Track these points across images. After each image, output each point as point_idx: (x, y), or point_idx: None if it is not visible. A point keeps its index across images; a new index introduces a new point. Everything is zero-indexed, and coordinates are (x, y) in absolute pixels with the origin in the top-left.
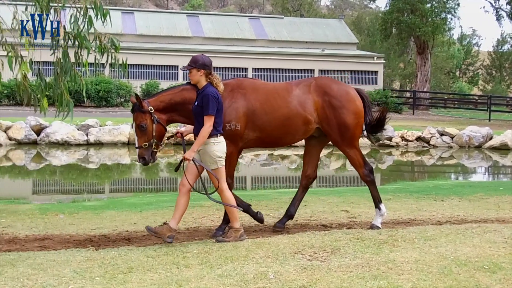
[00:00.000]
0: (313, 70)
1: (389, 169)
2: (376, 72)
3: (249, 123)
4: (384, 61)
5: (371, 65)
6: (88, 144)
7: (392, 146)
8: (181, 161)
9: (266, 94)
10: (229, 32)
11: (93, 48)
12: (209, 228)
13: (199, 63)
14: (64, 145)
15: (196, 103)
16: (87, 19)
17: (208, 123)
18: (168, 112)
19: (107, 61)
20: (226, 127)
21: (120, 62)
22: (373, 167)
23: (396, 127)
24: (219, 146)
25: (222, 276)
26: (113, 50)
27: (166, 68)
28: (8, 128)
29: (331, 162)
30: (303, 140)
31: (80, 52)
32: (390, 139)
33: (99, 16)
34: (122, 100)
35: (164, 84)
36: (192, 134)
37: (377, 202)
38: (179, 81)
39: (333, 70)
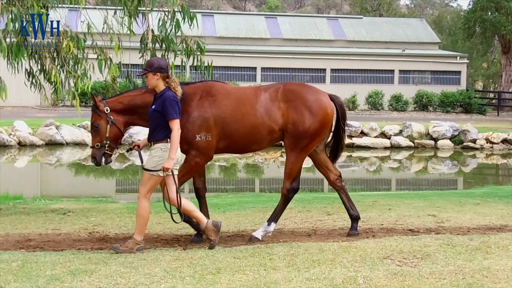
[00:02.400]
0: (393, 70)
1: (473, 172)
2: (459, 72)
3: (220, 132)
4: (467, 61)
5: (454, 65)
6: None
7: (476, 149)
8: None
9: (236, 100)
10: (307, 33)
11: (180, 51)
12: (292, 230)
13: (154, 67)
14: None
15: (153, 107)
16: (174, 23)
17: (176, 126)
18: (127, 114)
19: (193, 63)
20: (196, 138)
21: (206, 64)
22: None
23: (480, 129)
24: (164, 154)
25: (310, 279)
26: (198, 53)
27: (245, 69)
28: None
29: (412, 165)
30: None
31: (167, 55)
32: (474, 141)
33: (186, 19)
34: None
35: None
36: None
37: (273, 218)
38: (257, 83)
39: (414, 70)
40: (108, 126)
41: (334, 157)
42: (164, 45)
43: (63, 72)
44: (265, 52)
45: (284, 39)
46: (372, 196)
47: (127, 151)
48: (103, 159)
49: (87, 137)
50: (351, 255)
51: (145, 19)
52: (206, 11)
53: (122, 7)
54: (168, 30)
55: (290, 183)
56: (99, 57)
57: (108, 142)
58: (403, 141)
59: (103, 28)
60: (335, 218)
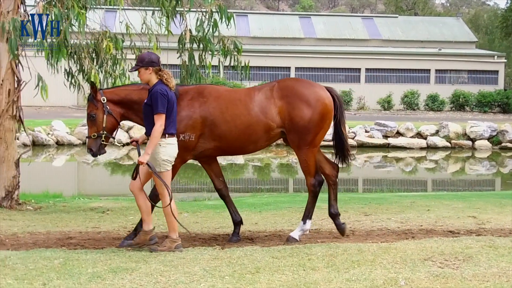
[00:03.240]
0: (429, 70)
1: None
2: (497, 71)
3: (206, 132)
4: (505, 60)
5: (491, 65)
6: None
7: None
8: (137, 166)
9: (227, 101)
10: (341, 32)
11: (217, 51)
12: (330, 230)
13: (145, 61)
14: None
15: (145, 101)
16: (212, 23)
17: (159, 121)
18: (123, 108)
19: (229, 63)
20: (180, 137)
21: (242, 64)
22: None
23: None
24: (166, 149)
25: (350, 280)
26: (235, 53)
27: (279, 69)
28: (129, 128)
29: (450, 166)
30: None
31: (204, 55)
32: None
33: (223, 19)
34: None
35: None
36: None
37: (306, 215)
38: None
39: (450, 70)
40: (105, 116)
41: (342, 155)
42: (201, 45)
43: (102, 72)
44: (299, 52)
45: (318, 38)
46: (410, 197)
47: (123, 145)
48: (99, 150)
49: (123, 137)
50: (391, 256)
51: (183, 19)
52: (239, 11)
53: (159, 8)
54: (206, 30)
55: (312, 178)
56: None
57: (105, 132)
58: (439, 141)
59: (142, 28)
60: (373, 218)
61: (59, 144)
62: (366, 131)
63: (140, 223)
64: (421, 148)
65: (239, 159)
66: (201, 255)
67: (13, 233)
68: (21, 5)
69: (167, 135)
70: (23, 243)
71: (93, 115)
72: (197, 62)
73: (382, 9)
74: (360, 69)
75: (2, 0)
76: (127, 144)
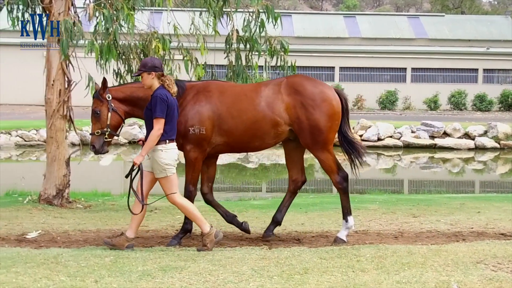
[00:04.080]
0: (477, 69)
1: None
2: None
3: (215, 127)
4: None
5: None
6: None
7: None
8: (132, 166)
9: (233, 96)
10: (386, 31)
11: (264, 51)
12: (378, 232)
13: (148, 66)
14: None
15: (146, 106)
16: (259, 23)
17: (157, 126)
18: (129, 105)
19: (276, 63)
20: (190, 131)
21: (289, 64)
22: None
23: None
24: (167, 154)
25: (400, 282)
26: (282, 53)
27: (323, 69)
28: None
29: (499, 167)
30: (284, 145)
31: (251, 55)
32: None
33: (270, 19)
34: None
35: None
36: None
37: (346, 213)
38: (335, 82)
39: (498, 69)
40: (109, 113)
41: (358, 154)
42: (248, 45)
43: None
44: (344, 52)
45: (363, 38)
46: (459, 198)
47: (129, 142)
48: (102, 147)
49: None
50: (442, 258)
51: (230, 19)
52: (283, 11)
53: (207, 9)
54: (253, 30)
55: (337, 175)
56: (185, 57)
57: (109, 129)
58: (488, 142)
59: (190, 29)
60: (421, 220)
61: None
62: (412, 132)
63: (186, 222)
64: (469, 149)
65: (283, 159)
66: (249, 254)
67: (64, 230)
68: (72, 7)
69: (167, 141)
70: (74, 241)
71: (97, 111)
72: (244, 62)
73: (428, 7)
74: (405, 68)
75: (54, 2)
76: (134, 142)
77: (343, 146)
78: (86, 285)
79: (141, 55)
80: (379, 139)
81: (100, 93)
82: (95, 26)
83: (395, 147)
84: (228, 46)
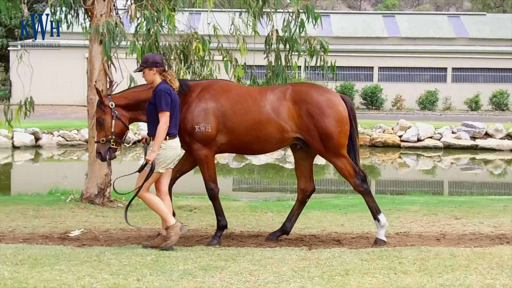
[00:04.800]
0: None
1: None
2: None
3: (220, 125)
4: None
5: None
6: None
7: None
8: (145, 163)
9: (238, 95)
10: (426, 31)
11: (303, 51)
12: (419, 233)
13: (149, 62)
14: None
15: (149, 101)
16: (299, 22)
17: (163, 119)
18: (132, 110)
19: (315, 63)
20: (196, 129)
21: (329, 64)
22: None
23: None
24: (165, 151)
25: (444, 285)
26: (322, 53)
27: (362, 69)
28: None
29: None
30: (293, 154)
31: (290, 55)
32: None
33: (310, 19)
34: None
35: (359, 86)
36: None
37: (375, 213)
38: (374, 82)
39: None
40: (113, 121)
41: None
42: (288, 46)
43: (189, 73)
44: (383, 51)
45: (402, 37)
46: (503, 200)
47: (134, 143)
48: (108, 154)
49: None
50: (486, 261)
51: (269, 20)
52: (321, 11)
53: (246, 9)
54: (292, 31)
55: (355, 179)
56: (225, 58)
57: (113, 137)
58: None
59: (230, 29)
60: (464, 222)
61: None
62: (453, 132)
63: (219, 219)
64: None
65: (320, 159)
66: (289, 255)
67: (106, 229)
68: (113, 8)
69: (167, 137)
70: (115, 239)
71: (101, 120)
72: (283, 63)
73: (468, 6)
74: (446, 68)
75: (96, 3)
76: (138, 141)
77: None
78: (128, 283)
79: (181, 56)
80: (418, 140)
81: (102, 102)
82: (136, 27)
83: (435, 148)
84: (267, 47)
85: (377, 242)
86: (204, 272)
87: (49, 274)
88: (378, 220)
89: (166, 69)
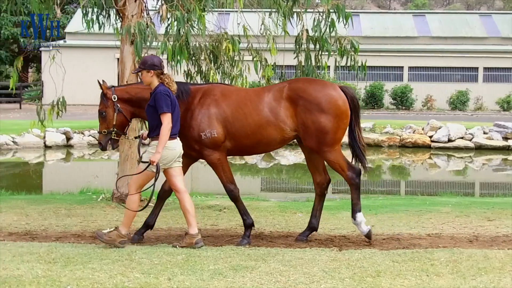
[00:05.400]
0: None
1: None
2: None
3: (225, 129)
4: None
5: None
6: None
7: None
8: (149, 164)
9: (238, 100)
10: (457, 30)
11: (334, 51)
12: (451, 235)
13: (147, 64)
14: (291, 145)
15: (148, 103)
16: (329, 22)
17: (166, 120)
18: (133, 106)
19: (346, 63)
20: (202, 136)
21: (359, 64)
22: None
23: None
24: (164, 151)
25: None
26: (352, 52)
27: (391, 69)
28: None
29: None
30: (302, 150)
31: (320, 55)
32: None
33: (341, 19)
34: None
35: (388, 86)
36: None
37: (355, 210)
38: (404, 82)
39: None
40: (115, 114)
41: (357, 157)
42: (318, 45)
43: (219, 73)
44: (413, 51)
45: (432, 37)
46: None
47: (135, 137)
48: (109, 145)
49: None
50: None
51: (299, 19)
52: (351, 10)
53: (276, 9)
54: (323, 30)
55: (348, 172)
56: (255, 58)
57: (115, 129)
58: None
59: (260, 29)
60: (497, 224)
61: None
62: (485, 133)
63: (245, 218)
64: None
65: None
66: (319, 256)
67: (137, 228)
68: (144, 9)
69: None
70: (146, 239)
71: (103, 112)
72: (313, 63)
73: (500, 5)
74: (477, 68)
75: (128, 4)
76: (137, 137)
77: (350, 146)
78: (159, 282)
79: (211, 56)
80: (449, 140)
81: (104, 94)
82: (166, 27)
83: (466, 149)
84: (297, 46)
85: (368, 237)
86: (235, 272)
87: (82, 273)
88: (355, 218)
89: (164, 72)
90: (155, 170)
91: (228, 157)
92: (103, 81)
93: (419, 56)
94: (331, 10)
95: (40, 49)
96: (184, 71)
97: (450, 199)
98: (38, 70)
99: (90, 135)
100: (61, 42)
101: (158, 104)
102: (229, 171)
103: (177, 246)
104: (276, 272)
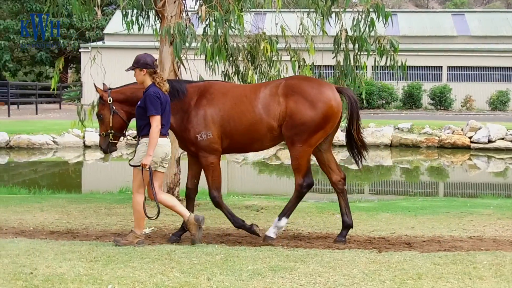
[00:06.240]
0: None
1: None
2: None
3: (220, 129)
4: None
5: None
6: None
7: None
8: (142, 168)
9: (234, 98)
10: (497, 29)
11: (373, 51)
12: (493, 238)
13: (140, 63)
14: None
15: (138, 104)
16: (368, 22)
17: (154, 123)
18: (130, 106)
19: (385, 63)
20: (198, 138)
21: (399, 64)
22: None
23: None
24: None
25: None
26: (392, 52)
27: (430, 68)
28: None
29: None
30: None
31: (359, 55)
32: None
33: (380, 18)
34: (384, 102)
35: (427, 86)
36: None
37: (285, 213)
38: (442, 82)
39: None
40: (111, 116)
41: (356, 158)
42: (357, 45)
43: (257, 73)
44: (452, 50)
45: (472, 36)
46: None
47: (134, 137)
48: (109, 147)
49: None
50: None
51: (338, 19)
52: (389, 10)
53: (314, 9)
54: (362, 30)
55: (301, 178)
56: (293, 58)
57: (112, 131)
58: None
59: (299, 29)
60: None
61: None
62: None
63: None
64: None
65: (388, 161)
66: (359, 257)
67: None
68: (183, 10)
69: None
70: (184, 238)
71: (100, 115)
72: (352, 62)
73: None
74: None
75: (167, 5)
76: (135, 137)
77: (348, 145)
78: (199, 282)
79: (248, 57)
80: (489, 141)
81: (101, 97)
82: (204, 28)
83: (507, 150)
84: (336, 46)
85: (266, 239)
86: (274, 273)
87: (123, 271)
88: (279, 219)
89: (157, 71)
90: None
91: (227, 154)
92: (103, 84)
93: (458, 56)
94: (370, 10)
95: (80, 50)
96: (222, 71)
97: (491, 201)
98: (77, 71)
99: (128, 135)
100: (100, 43)
101: (148, 107)
102: (218, 176)
103: (119, 242)
104: (315, 273)
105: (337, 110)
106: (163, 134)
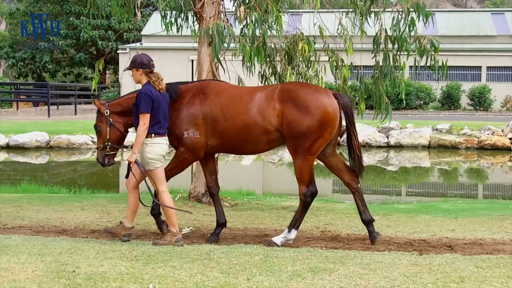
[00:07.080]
0: None
1: None
2: None
3: (209, 129)
4: None
5: None
6: (388, 146)
7: None
8: (128, 165)
9: (228, 98)
10: None
11: (413, 50)
12: None
13: (136, 63)
14: (365, 146)
15: (134, 103)
16: (408, 21)
17: (142, 121)
18: (127, 116)
19: (426, 63)
20: (184, 135)
21: (439, 64)
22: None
23: None
24: (151, 148)
25: None
26: (432, 52)
27: (469, 69)
28: None
29: None
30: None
31: (399, 55)
32: None
33: (421, 18)
34: (421, 102)
35: (466, 86)
36: None
37: (293, 224)
38: (482, 82)
39: None
40: (108, 128)
41: (354, 166)
42: (397, 45)
43: (294, 74)
44: (491, 50)
45: None
46: None
47: (126, 176)
48: (106, 160)
49: None
50: None
51: (377, 19)
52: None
53: (353, 9)
54: (402, 29)
55: (305, 187)
56: (331, 58)
57: (109, 143)
58: None
59: (338, 29)
60: None
61: None
62: None
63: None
64: None
65: (425, 162)
66: (399, 260)
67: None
68: (222, 10)
69: (153, 135)
70: (223, 238)
71: (97, 127)
72: (391, 63)
73: None
74: None
75: (206, 6)
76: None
77: (348, 153)
78: (239, 282)
79: (286, 57)
80: None
81: (98, 109)
82: (242, 28)
83: None
84: (375, 46)
85: (270, 244)
86: (313, 274)
87: (163, 271)
88: (289, 231)
89: (153, 71)
90: (142, 169)
91: (217, 153)
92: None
93: (498, 56)
94: (410, 9)
95: (118, 51)
96: (259, 72)
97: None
98: (116, 72)
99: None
100: (137, 44)
101: (138, 104)
102: (178, 171)
103: (158, 243)
104: (355, 275)
105: (334, 116)
106: (161, 133)
